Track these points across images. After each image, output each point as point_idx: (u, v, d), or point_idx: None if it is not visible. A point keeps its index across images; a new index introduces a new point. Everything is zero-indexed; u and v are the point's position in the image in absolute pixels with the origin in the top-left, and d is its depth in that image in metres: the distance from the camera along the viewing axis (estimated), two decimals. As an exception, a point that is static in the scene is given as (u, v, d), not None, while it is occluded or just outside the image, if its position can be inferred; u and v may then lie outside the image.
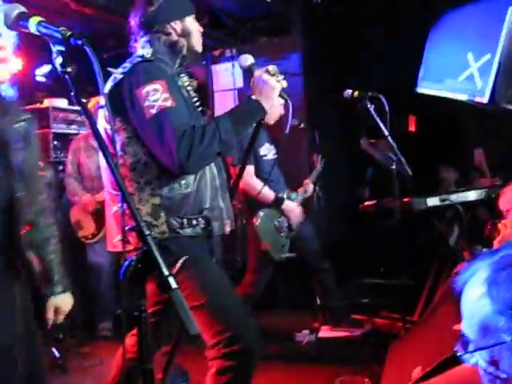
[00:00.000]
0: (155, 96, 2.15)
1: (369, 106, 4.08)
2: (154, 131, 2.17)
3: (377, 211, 4.64)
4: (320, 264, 4.70)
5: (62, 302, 2.15)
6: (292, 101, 5.73)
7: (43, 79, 5.69)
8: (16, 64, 1.90)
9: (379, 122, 4.05)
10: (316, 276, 4.74)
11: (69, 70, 1.43)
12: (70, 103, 5.15)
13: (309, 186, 4.70)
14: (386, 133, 4.04)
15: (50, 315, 2.11)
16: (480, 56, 4.24)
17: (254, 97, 2.31)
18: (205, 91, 6.53)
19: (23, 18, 1.54)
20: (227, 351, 2.26)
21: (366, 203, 4.76)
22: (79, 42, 1.45)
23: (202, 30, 2.54)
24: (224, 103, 6.41)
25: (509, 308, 1.11)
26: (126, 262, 1.33)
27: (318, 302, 4.89)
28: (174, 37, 2.42)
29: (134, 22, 2.47)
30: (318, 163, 4.85)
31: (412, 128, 7.17)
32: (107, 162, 1.38)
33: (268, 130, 4.38)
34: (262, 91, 2.30)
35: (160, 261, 1.30)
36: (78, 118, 5.25)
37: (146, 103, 2.16)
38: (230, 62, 6.36)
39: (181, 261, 2.21)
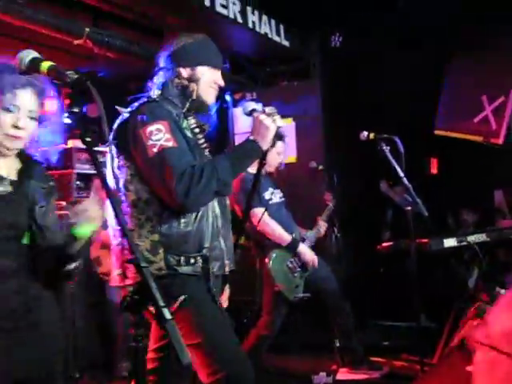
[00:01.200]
0: (158, 136, 2.24)
1: (384, 147, 4.13)
2: (155, 169, 2.25)
3: (394, 252, 4.63)
4: (339, 305, 4.66)
5: None
6: (311, 143, 5.81)
7: (69, 121, 5.83)
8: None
9: (395, 163, 4.08)
10: (335, 317, 4.70)
11: (75, 110, 1.51)
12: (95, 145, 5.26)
13: (321, 225, 4.71)
14: (402, 174, 4.07)
15: None
16: (494, 98, 4.30)
17: (251, 137, 2.40)
18: (225, 134, 6.65)
19: (36, 62, 1.63)
20: None
21: (383, 244, 4.76)
22: (85, 86, 1.53)
23: (220, 84, 2.58)
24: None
25: None
26: (123, 293, 1.38)
27: (337, 343, 4.84)
28: (185, 81, 2.50)
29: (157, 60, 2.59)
30: (330, 202, 4.87)
31: (434, 171, 7.17)
32: (108, 196, 1.44)
33: (271, 176, 4.48)
34: (258, 131, 2.39)
35: (155, 292, 1.34)
36: (101, 159, 5.35)
37: (149, 142, 2.24)
38: (250, 105, 6.47)
39: (179, 300, 2.23)
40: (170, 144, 2.24)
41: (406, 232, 4.16)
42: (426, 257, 4.37)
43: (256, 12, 5.40)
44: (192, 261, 2.34)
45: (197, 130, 2.52)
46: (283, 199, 4.59)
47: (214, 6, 4.84)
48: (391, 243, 4.65)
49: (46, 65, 1.60)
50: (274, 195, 4.49)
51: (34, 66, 1.63)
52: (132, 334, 1.39)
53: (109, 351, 5.09)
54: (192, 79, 2.50)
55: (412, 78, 6.11)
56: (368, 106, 6.43)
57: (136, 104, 2.40)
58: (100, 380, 4.80)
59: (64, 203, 5.08)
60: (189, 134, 2.45)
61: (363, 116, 6.01)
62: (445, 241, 4.36)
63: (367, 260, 6.09)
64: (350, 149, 6.02)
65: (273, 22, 5.59)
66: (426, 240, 4.33)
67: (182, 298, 2.20)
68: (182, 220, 2.33)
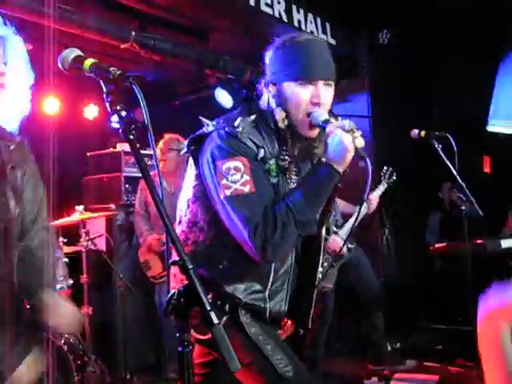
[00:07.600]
0: (235, 176, 1.95)
1: (436, 145, 4.01)
2: (228, 213, 1.98)
3: (448, 254, 4.51)
4: (373, 312, 4.70)
5: None
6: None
7: (118, 125, 5.86)
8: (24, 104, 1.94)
9: (447, 162, 3.96)
10: (368, 318, 4.73)
11: (118, 107, 1.48)
12: (142, 148, 5.28)
13: (371, 200, 4.48)
14: (455, 173, 3.94)
15: None
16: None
17: (324, 159, 1.96)
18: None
19: (79, 60, 1.62)
20: None
21: (436, 246, 4.64)
22: (127, 81, 1.50)
23: (317, 102, 2.04)
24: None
25: None
26: (168, 296, 1.34)
27: (388, 347, 4.78)
28: (273, 102, 2.08)
29: None
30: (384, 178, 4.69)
31: (487, 169, 6.96)
32: (153, 198, 1.38)
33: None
34: (335, 153, 1.93)
35: (203, 295, 1.29)
36: (149, 162, 5.35)
37: (224, 181, 1.96)
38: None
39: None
40: (247, 189, 1.93)
41: (457, 232, 4.04)
42: (482, 258, 4.23)
43: (301, 10, 5.33)
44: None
45: (292, 169, 2.12)
46: None
47: (258, 5, 4.80)
48: (445, 245, 4.53)
49: (88, 62, 1.58)
50: None
51: (77, 64, 1.61)
52: (179, 337, 1.35)
53: (158, 353, 5.12)
54: (279, 100, 2.06)
55: (462, 74, 5.95)
56: (417, 104, 6.29)
57: (221, 121, 2.08)
58: (149, 381, 4.82)
59: (113, 206, 5.17)
60: (273, 179, 2.07)
61: (413, 114, 5.88)
62: (502, 242, 4.22)
63: (418, 261, 5.96)
64: (400, 148, 5.89)
65: (318, 20, 5.51)
66: (481, 241, 4.20)
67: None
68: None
